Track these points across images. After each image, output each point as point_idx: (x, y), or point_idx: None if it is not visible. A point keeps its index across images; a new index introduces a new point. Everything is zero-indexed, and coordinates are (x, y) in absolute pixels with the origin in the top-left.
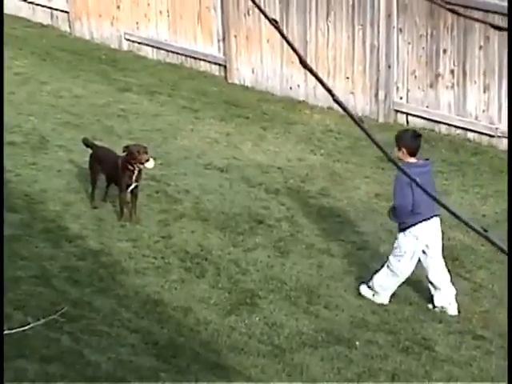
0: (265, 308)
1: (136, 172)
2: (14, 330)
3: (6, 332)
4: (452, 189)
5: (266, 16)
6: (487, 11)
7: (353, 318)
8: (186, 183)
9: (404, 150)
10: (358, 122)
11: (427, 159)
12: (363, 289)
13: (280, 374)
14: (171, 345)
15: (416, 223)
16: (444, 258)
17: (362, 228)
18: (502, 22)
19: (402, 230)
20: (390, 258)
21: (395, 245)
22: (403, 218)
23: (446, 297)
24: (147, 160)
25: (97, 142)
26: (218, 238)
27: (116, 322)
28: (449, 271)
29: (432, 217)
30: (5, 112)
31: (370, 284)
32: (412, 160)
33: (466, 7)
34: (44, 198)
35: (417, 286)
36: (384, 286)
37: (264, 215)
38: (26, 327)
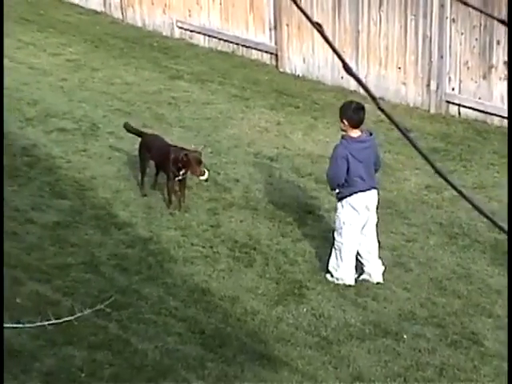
0: (312, 299)
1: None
2: (61, 320)
3: (53, 322)
4: (504, 181)
5: (309, 19)
6: None
7: (401, 310)
8: (236, 172)
9: (346, 121)
10: (404, 132)
11: (371, 133)
12: (327, 276)
13: (326, 365)
14: (218, 334)
15: (352, 193)
16: (494, 250)
17: (412, 220)
18: None
19: (339, 199)
20: (334, 235)
21: (335, 219)
22: (335, 187)
23: (371, 269)
24: (203, 173)
25: (146, 130)
26: (266, 228)
27: (163, 311)
28: (379, 242)
29: (369, 189)
30: (56, 98)
31: (329, 270)
32: (355, 133)
33: None
34: (94, 184)
35: (466, 279)
36: (337, 266)
37: (313, 206)
38: (73, 317)
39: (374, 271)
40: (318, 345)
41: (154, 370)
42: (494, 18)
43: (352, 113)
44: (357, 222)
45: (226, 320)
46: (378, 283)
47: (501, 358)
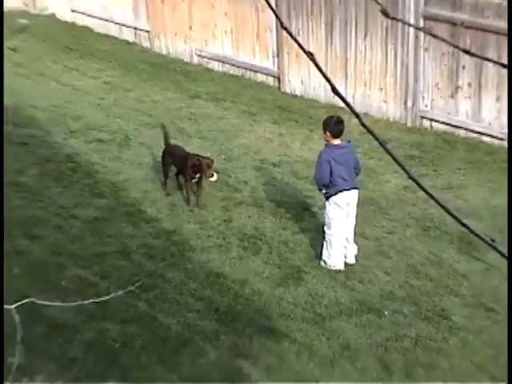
0: (308, 281)
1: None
2: (99, 299)
3: (92, 301)
4: (469, 183)
5: (303, 49)
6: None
7: (382, 291)
8: (245, 175)
9: (328, 133)
10: (382, 143)
11: (349, 141)
12: (321, 263)
13: (320, 337)
14: (230, 311)
15: (337, 193)
16: (460, 241)
17: (392, 215)
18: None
19: (327, 199)
20: (324, 229)
21: (325, 215)
22: (321, 188)
23: (347, 252)
24: (212, 175)
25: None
26: (270, 222)
27: (184, 291)
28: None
29: (350, 188)
30: (95, 114)
31: (322, 259)
32: (336, 141)
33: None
34: (126, 186)
35: (437, 265)
36: (328, 255)
37: (309, 204)
38: (109, 296)
39: (349, 254)
40: (313, 320)
41: (177, 341)
42: (458, 48)
43: (333, 125)
44: (342, 217)
45: (236, 299)
46: (364, 267)
47: (466, 331)
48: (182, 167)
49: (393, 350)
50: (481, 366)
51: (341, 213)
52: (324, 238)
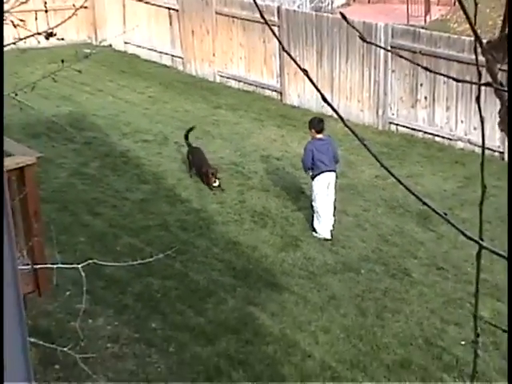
0: (303, 248)
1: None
2: (145, 261)
3: (139, 262)
4: (425, 173)
5: (299, 67)
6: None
7: (359, 255)
8: (255, 167)
9: (313, 130)
10: (361, 140)
11: (329, 136)
12: (314, 234)
13: (312, 290)
14: (244, 270)
15: (319, 173)
16: (419, 216)
17: (367, 197)
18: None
19: (312, 179)
20: (312, 203)
21: (311, 192)
22: (306, 170)
23: (328, 225)
24: (214, 182)
25: (195, 143)
26: (274, 203)
27: (209, 255)
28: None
29: (330, 171)
30: (141, 121)
31: (314, 230)
32: (318, 136)
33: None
34: (165, 175)
35: (401, 235)
36: (319, 226)
37: (304, 188)
38: (152, 259)
39: (330, 227)
40: (307, 276)
41: (204, 293)
42: (420, 65)
43: (316, 124)
44: (324, 191)
45: (249, 261)
46: (346, 236)
47: (422, 285)
48: (197, 170)
49: (367, 300)
50: (433, 311)
51: (323, 188)
52: (313, 211)
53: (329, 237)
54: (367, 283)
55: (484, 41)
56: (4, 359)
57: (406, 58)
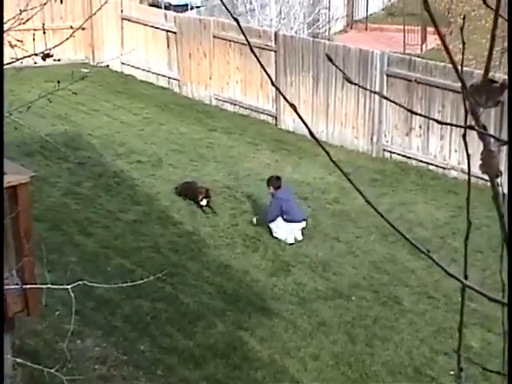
0: (295, 273)
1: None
2: (135, 283)
3: (130, 284)
4: (418, 201)
5: (287, 101)
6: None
7: (351, 281)
8: (248, 191)
9: (271, 187)
10: (345, 174)
11: (286, 186)
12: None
13: (302, 315)
14: (234, 294)
15: (293, 221)
16: (410, 245)
17: (359, 224)
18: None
19: (285, 220)
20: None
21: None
22: (270, 221)
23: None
24: (201, 200)
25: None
26: (266, 227)
27: (200, 278)
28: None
29: (303, 220)
30: (136, 141)
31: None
32: (278, 190)
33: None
34: (158, 197)
35: (392, 263)
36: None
37: None
38: (142, 281)
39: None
40: (297, 302)
41: (193, 316)
42: (413, 112)
43: (274, 182)
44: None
45: (240, 285)
46: (337, 263)
47: (413, 313)
48: (190, 193)
49: (357, 327)
50: (423, 340)
51: (290, 233)
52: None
53: (292, 241)
54: (357, 310)
55: (468, 84)
56: None
57: (391, 101)
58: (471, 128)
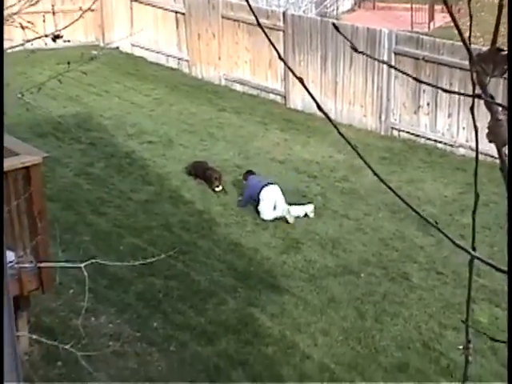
0: (305, 250)
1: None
2: (147, 261)
3: (142, 262)
4: (426, 178)
5: (294, 74)
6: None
7: (360, 258)
8: (258, 170)
9: (244, 180)
10: (353, 147)
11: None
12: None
13: (313, 292)
14: (245, 271)
15: (264, 187)
16: (419, 221)
17: (368, 201)
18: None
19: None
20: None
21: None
22: (246, 204)
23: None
24: (217, 186)
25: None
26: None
27: (211, 256)
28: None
29: (271, 183)
30: (147, 122)
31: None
32: (251, 176)
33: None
34: (169, 176)
35: (401, 239)
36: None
37: (306, 191)
38: (155, 259)
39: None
40: (307, 279)
41: (205, 293)
42: (420, 81)
43: (245, 175)
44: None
45: (250, 262)
46: (347, 240)
47: (421, 289)
48: (201, 175)
49: (366, 303)
50: (432, 316)
51: (271, 204)
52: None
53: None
54: (367, 286)
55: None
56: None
57: (399, 70)
58: (479, 97)
